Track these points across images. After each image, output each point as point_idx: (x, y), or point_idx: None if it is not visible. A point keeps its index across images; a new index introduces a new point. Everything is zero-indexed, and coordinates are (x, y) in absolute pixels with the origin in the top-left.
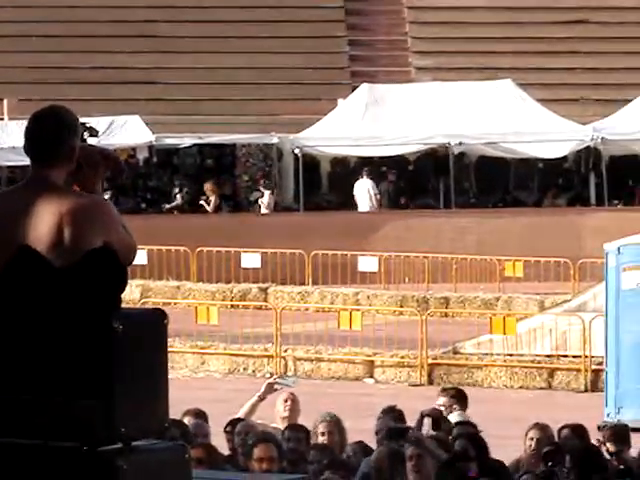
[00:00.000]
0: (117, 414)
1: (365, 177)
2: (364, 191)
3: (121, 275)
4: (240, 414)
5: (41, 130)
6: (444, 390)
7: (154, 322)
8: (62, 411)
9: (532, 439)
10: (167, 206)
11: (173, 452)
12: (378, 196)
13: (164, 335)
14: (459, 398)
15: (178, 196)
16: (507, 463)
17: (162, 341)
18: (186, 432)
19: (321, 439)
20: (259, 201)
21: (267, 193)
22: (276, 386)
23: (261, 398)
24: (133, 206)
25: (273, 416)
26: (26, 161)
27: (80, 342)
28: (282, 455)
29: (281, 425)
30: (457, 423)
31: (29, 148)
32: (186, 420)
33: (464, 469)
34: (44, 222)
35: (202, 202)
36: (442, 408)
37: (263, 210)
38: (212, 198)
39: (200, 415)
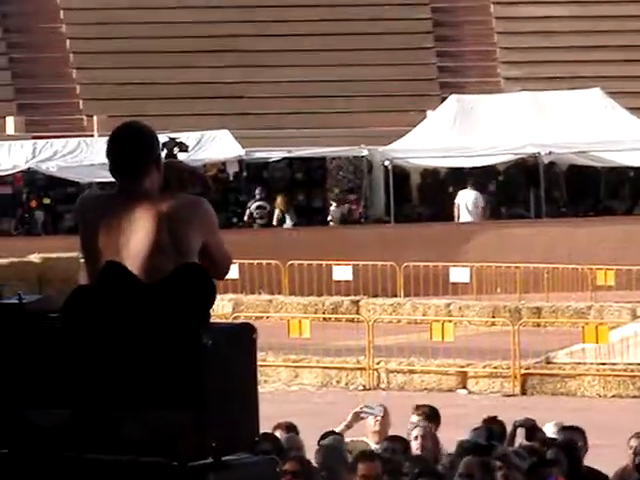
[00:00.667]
0: (207, 429)
1: (470, 188)
2: (468, 202)
3: (210, 289)
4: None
5: (126, 146)
6: (417, 408)
7: (243, 336)
8: (153, 426)
9: (631, 447)
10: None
11: (263, 466)
12: (482, 207)
13: (254, 349)
14: (432, 416)
15: (255, 209)
16: (605, 472)
17: (252, 355)
18: (278, 446)
19: (414, 444)
20: (330, 214)
21: (334, 205)
22: (362, 415)
23: (348, 427)
24: (224, 221)
25: (362, 431)
26: None
27: (170, 357)
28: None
29: (371, 439)
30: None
31: (116, 167)
32: (277, 434)
33: (544, 474)
34: (142, 231)
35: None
36: (412, 426)
37: (332, 224)
38: (277, 211)
39: (291, 428)
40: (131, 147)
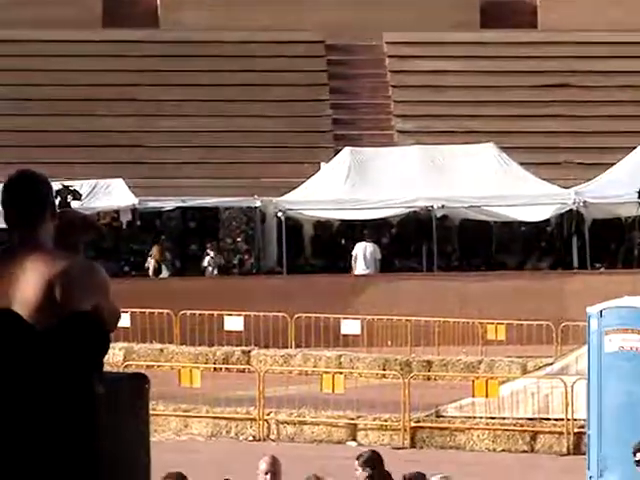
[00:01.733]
0: (98, 478)
1: (367, 239)
2: (365, 253)
3: (103, 339)
4: None
5: (22, 194)
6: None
7: (136, 386)
8: (43, 475)
9: None
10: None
11: None
12: (379, 259)
13: (146, 399)
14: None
15: (150, 259)
16: None
17: (144, 405)
18: None
19: None
20: (205, 262)
21: (211, 254)
22: None
23: None
24: (116, 269)
25: None
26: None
27: (62, 407)
28: None
29: None
30: None
31: (11, 215)
32: None
33: None
34: (34, 283)
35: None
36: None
37: (208, 272)
38: (151, 261)
39: (182, 479)
40: (25, 197)
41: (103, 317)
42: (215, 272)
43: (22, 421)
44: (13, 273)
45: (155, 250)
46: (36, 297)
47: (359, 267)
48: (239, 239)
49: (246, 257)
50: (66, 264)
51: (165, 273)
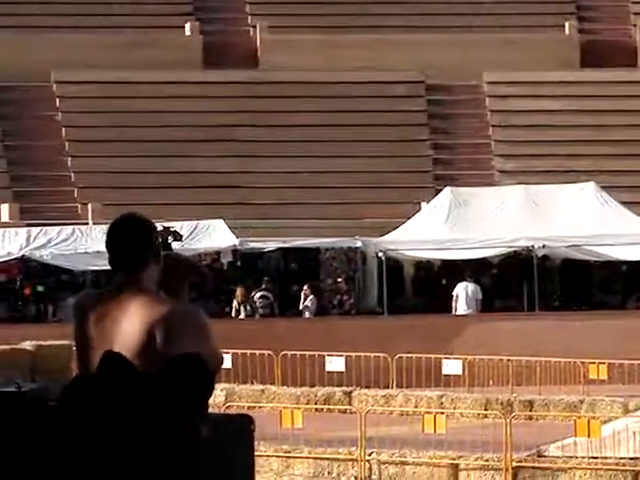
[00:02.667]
0: None
1: (468, 280)
2: (467, 293)
3: (208, 381)
4: None
5: (126, 237)
6: None
7: (242, 428)
8: None
9: None
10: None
11: None
12: (480, 299)
13: (251, 440)
14: None
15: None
16: None
17: (249, 446)
18: None
19: None
20: (305, 304)
21: (310, 297)
22: None
23: None
24: (218, 310)
25: None
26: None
27: (168, 449)
28: None
29: None
30: None
31: (116, 258)
32: None
33: None
34: (136, 327)
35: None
36: None
37: (306, 315)
38: (235, 303)
39: None
40: (130, 240)
41: (204, 359)
42: (307, 314)
43: (128, 464)
44: (115, 316)
45: (239, 292)
46: (136, 342)
47: (460, 307)
48: (339, 279)
49: (345, 298)
50: (167, 310)
51: (242, 315)
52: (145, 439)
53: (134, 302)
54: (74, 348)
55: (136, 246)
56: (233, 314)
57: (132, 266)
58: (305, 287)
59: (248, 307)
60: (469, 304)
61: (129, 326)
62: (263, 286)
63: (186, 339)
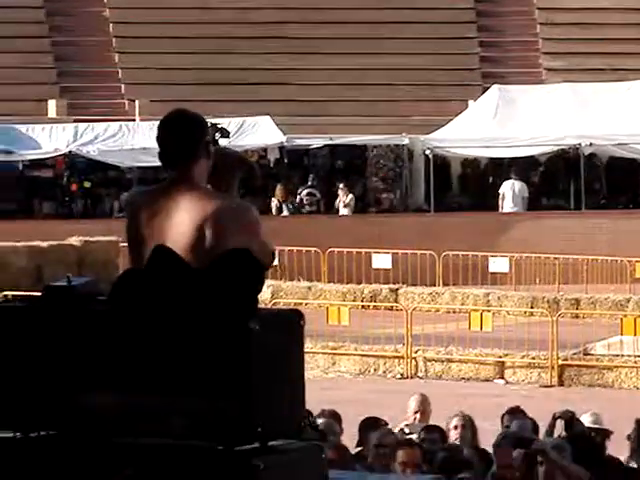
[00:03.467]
0: (254, 414)
1: (514, 178)
2: (513, 191)
3: (258, 276)
4: None
5: (177, 132)
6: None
7: (291, 322)
8: (200, 411)
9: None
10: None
11: (309, 452)
12: (526, 197)
13: (301, 335)
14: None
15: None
16: None
17: (299, 341)
18: (322, 433)
19: (453, 433)
20: (338, 202)
21: (350, 196)
22: None
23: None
24: (264, 207)
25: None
26: (157, 162)
27: (218, 343)
28: (425, 459)
29: (413, 427)
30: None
31: (166, 153)
32: (320, 421)
33: None
34: (187, 222)
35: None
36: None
37: (342, 211)
38: (275, 200)
39: (335, 416)
40: (181, 136)
41: (255, 255)
42: (347, 212)
43: (178, 358)
44: (168, 211)
45: (278, 190)
46: (188, 236)
47: (507, 205)
48: (387, 178)
49: (390, 196)
50: (218, 205)
51: (286, 212)
52: (195, 333)
53: (186, 198)
54: (121, 244)
55: (187, 140)
56: (274, 212)
57: (183, 160)
58: (341, 186)
59: (290, 205)
60: (515, 202)
61: (180, 222)
62: (309, 183)
63: (237, 235)
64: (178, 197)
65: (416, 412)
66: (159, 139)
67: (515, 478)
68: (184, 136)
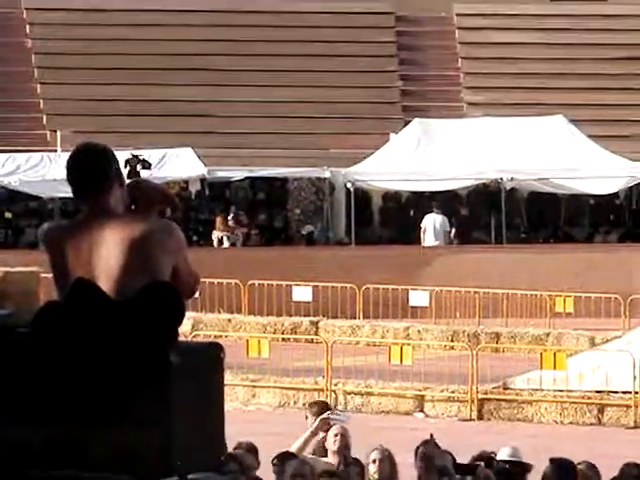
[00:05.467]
0: (173, 446)
1: (436, 211)
2: (435, 225)
3: (179, 307)
4: (293, 449)
5: (87, 165)
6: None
7: (211, 355)
8: (118, 443)
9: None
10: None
11: None
12: (448, 231)
13: (221, 368)
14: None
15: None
16: None
17: (219, 374)
18: (242, 466)
19: (372, 467)
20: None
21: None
22: (331, 421)
23: (314, 433)
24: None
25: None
26: None
27: (137, 375)
28: None
29: (332, 460)
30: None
31: (79, 187)
32: (238, 454)
33: None
34: (115, 248)
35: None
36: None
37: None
38: (216, 233)
39: (252, 449)
40: (91, 165)
41: (182, 276)
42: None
43: (96, 389)
44: (91, 243)
45: (219, 221)
46: (120, 262)
47: (428, 239)
48: (307, 210)
49: (311, 228)
50: (144, 225)
51: (226, 244)
52: (115, 365)
53: (107, 226)
54: (42, 274)
55: (96, 170)
56: (215, 244)
57: (95, 192)
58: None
59: (228, 236)
60: (437, 236)
61: (109, 249)
62: (231, 215)
63: (165, 251)
64: (100, 227)
65: (336, 435)
66: (69, 176)
67: None
68: (92, 166)
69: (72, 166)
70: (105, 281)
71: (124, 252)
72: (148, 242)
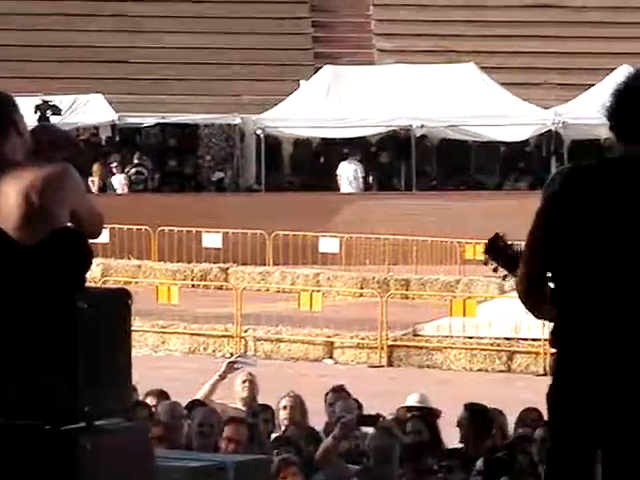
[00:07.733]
0: (81, 393)
1: (350, 160)
2: (349, 173)
3: (87, 254)
4: (200, 394)
5: None
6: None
7: (119, 302)
8: (25, 389)
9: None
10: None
11: (136, 432)
12: (362, 178)
13: (128, 315)
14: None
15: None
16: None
17: (126, 321)
18: (150, 412)
19: (282, 413)
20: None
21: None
22: (237, 365)
23: (222, 377)
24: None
25: (232, 396)
26: None
27: (44, 321)
28: (253, 437)
29: (240, 405)
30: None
31: None
32: (148, 400)
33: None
34: (13, 197)
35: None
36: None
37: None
38: (95, 179)
39: (162, 395)
40: None
41: (83, 218)
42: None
43: (5, 336)
44: None
45: (96, 168)
46: (18, 208)
47: (343, 187)
48: (218, 157)
49: (221, 174)
50: (39, 171)
51: (109, 191)
52: (21, 311)
53: (2, 174)
54: None
55: None
56: (95, 190)
57: None
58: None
59: (114, 181)
60: (351, 183)
61: (5, 196)
62: (136, 161)
63: (63, 194)
64: None
65: (244, 382)
66: None
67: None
68: None
69: None
70: (8, 231)
71: (21, 199)
72: (39, 189)
